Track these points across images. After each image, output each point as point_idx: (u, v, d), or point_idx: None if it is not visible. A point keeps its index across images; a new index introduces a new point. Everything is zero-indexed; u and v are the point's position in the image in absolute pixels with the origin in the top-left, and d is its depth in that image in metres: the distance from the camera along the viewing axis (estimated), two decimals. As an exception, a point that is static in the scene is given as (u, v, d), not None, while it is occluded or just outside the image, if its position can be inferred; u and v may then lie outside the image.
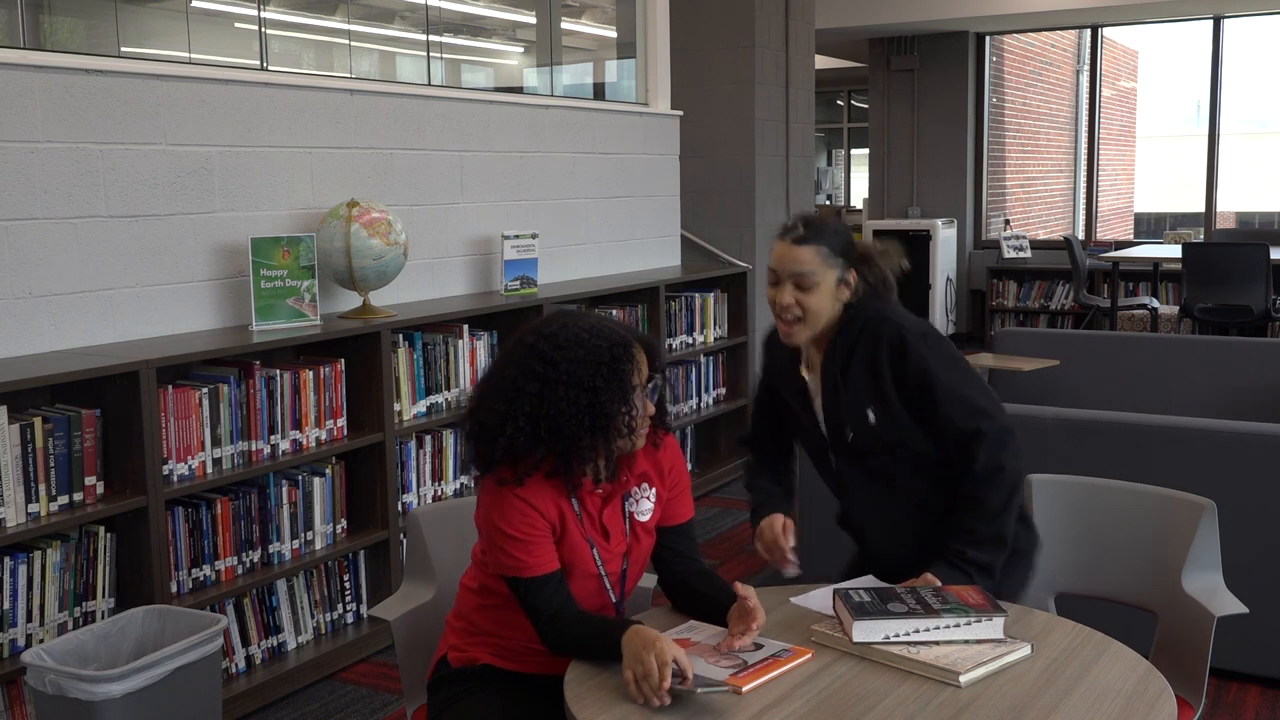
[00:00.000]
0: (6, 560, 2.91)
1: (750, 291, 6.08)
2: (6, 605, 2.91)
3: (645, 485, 2.20)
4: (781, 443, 2.62)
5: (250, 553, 3.49)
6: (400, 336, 3.98)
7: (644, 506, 2.20)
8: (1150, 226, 15.83)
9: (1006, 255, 10.53)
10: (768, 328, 2.51)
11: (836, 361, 2.36)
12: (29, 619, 2.96)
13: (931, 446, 2.33)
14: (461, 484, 4.25)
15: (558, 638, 2.05)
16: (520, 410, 2.02)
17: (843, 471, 2.46)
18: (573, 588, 2.11)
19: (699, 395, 5.74)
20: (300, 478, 3.64)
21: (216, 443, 3.36)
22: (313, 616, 3.75)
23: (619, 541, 2.17)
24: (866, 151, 11.84)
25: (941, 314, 10.32)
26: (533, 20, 6.54)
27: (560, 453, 2.03)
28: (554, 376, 2.01)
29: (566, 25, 6.52)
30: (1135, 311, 8.66)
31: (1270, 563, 3.36)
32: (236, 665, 3.50)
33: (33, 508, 2.95)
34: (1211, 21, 10.01)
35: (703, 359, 5.75)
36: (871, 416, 2.32)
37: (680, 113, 6.13)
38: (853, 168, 17.37)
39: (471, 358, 4.27)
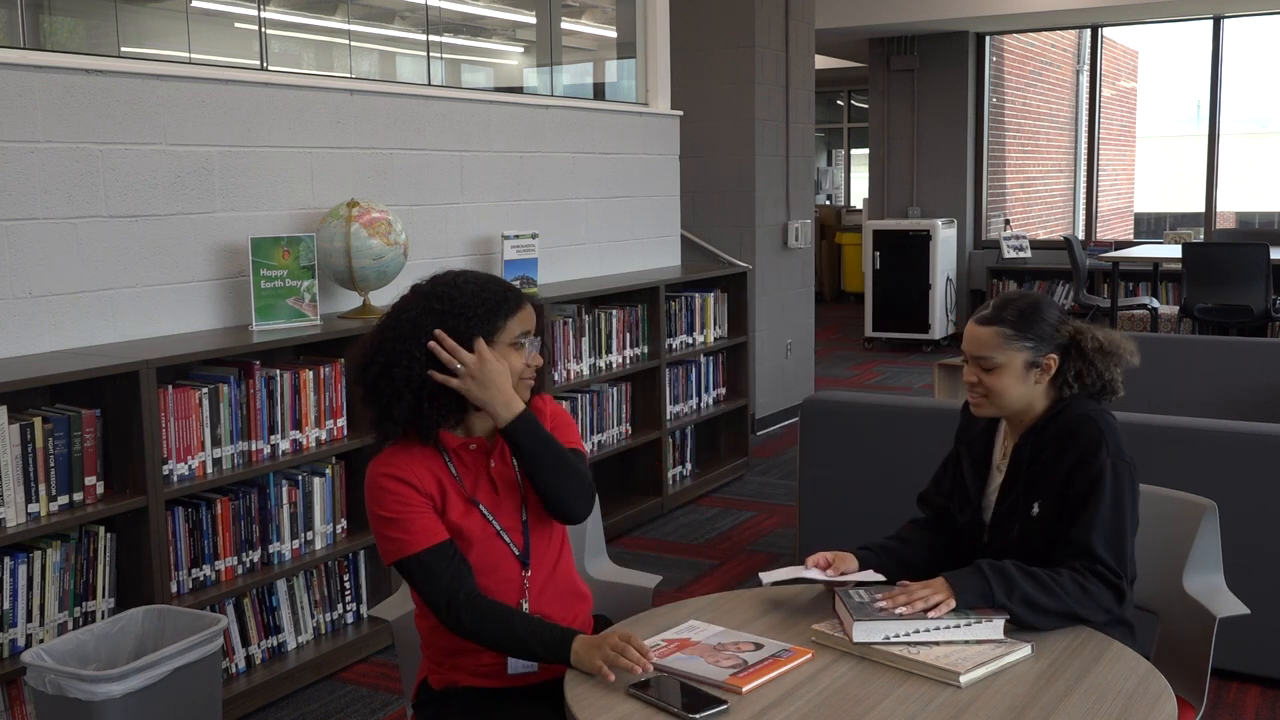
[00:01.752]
0: (6, 560, 2.91)
1: (750, 291, 6.08)
2: (6, 605, 2.91)
3: None
4: (947, 513, 2.51)
5: (250, 553, 3.49)
6: (400, 336, 3.98)
7: None
8: (1150, 226, 15.84)
9: (1006, 255, 10.54)
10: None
11: (1029, 449, 2.31)
12: (29, 619, 2.96)
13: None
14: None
15: (477, 622, 2.04)
16: (419, 345, 2.07)
17: (983, 557, 2.36)
18: (476, 554, 2.11)
19: (699, 395, 5.73)
20: (300, 478, 3.64)
21: (216, 443, 3.36)
22: (313, 616, 3.75)
23: (510, 493, 2.17)
24: (866, 151, 11.84)
25: (941, 314, 10.32)
26: (533, 20, 6.54)
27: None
28: (452, 310, 2.09)
29: (566, 25, 6.52)
30: (1135, 311, 8.66)
31: (1271, 563, 3.36)
32: (236, 665, 3.50)
33: (33, 508, 2.95)
34: (1211, 21, 10.01)
35: (703, 359, 5.75)
36: (1036, 509, 2.28)
37: (680, 113, 6.13)
38: (853, 168, 17.38)
39: (471, 358, 4.27)
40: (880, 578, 2.24)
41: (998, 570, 2.11)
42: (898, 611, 2.04)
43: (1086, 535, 2.18)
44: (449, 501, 2.11)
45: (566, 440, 2.26)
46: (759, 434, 7.00)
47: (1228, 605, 2.30)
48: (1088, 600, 2.12)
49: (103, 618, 3.08)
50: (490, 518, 2.14)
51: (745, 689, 1.86)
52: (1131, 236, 14.02)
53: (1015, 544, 2.30)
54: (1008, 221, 11.47)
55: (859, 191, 15.94)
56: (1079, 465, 2.23)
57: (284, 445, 3.56)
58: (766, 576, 2.25)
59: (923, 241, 10.24)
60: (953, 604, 2.06)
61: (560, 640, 1.99)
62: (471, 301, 2.10)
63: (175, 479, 3.24)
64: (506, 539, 2.16)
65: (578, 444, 2.32)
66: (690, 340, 5.62)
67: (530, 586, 2.17)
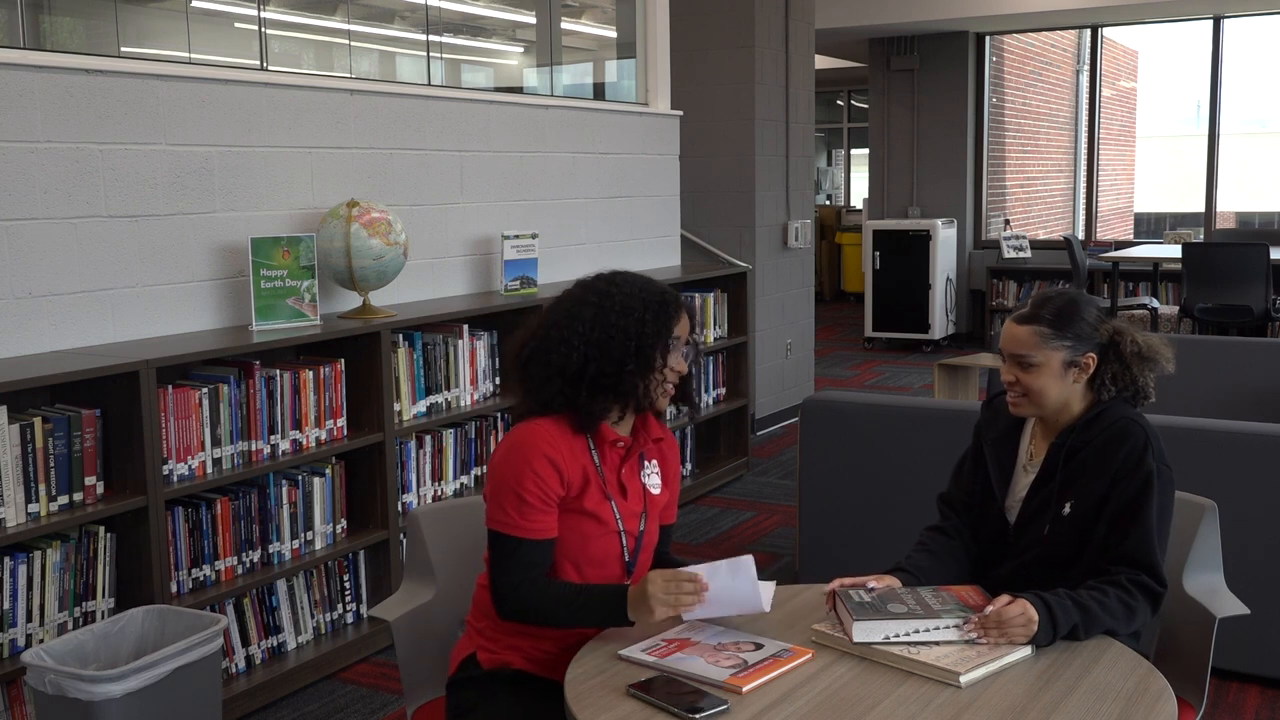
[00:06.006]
0: (6, 560, 2.91)
1: (750, 291, 6.08)
2: (6, 605, 2.91)
3: (655, 462, 2.29)
4: (969, 513, 2.48)
5: (250, 553, 3.49)
6: (400, 336, 3.98)
7: (654, 480, 2.28)
8: (1150, 226, 15.82)
9: (1006, 255, 10.54)
10: (994, 387, 2.43)
11: (1066, 448, 2.29)
12: (29, 619, 2.96)
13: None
14: (461, 484, 4.25)
15: (526, 610, 2.08)
16: (576, 331, 2.13)
17: (1005, 555, 2.37)
18: (592, 546, 2.16)
19: (699, 395, 5.73)
20: (300, 478, 3.64)
21: (216, 443, 3.36)
22: (313, 616, 3.75)
23: (635, 501, 2.22)
24: (866, 151, 11.84)
25: (941, 314, 10.32)
26: (533, 20, 6.54)
27: (607, 373, 2.12)
28: (608, 305, 2.15)
29: (566, 25, 6.52)
30: (1135, 311, 8.66)
31: (1271, 563, 3.36)
32: (236, 665, 3.50)
33: (33, 508, 2.95)
34: (1211, 21, 10.01)
35: (702, 359, 5.74)
36: (1068, 509, 2.26)
37: (680, 113, 6.13)
38: (853, 168, 17.38)
39: (471, 358, 4.27)
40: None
41: (1066, 615, 2.04)
42: (974, 636, 2.00)
43: (1141, 546, 2.17)
44: (588, 490, 2.15)
45: (670, 515, 2.35)
46: (759, 434, 7.00)
47: (1228, 605, 2.29)
48: (1131, 621, 2.13)
49: (103, 618, 3.08)
50: (618, 516, 2.18)
51: (745, 689, 1.86)
52: (1131, 236, 14.00)
53: (1042, 543, 2.29)
54: (1008, 221, 11.46)
55: (859, 191, 15.94)
56: (1125, 469, 2.21)
57: (284, 445, 3.56)
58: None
59: (923, 241, 10.24)
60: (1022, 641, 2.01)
61: (616, 602, 2.04)
62: (633, 302, 2.15)
63: (175, 479, 3.24)
64: (624, 541, 2.19)
65: (675, 515, 2.38)
66: (690, 340, 5.61)
67: None
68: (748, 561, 2.05)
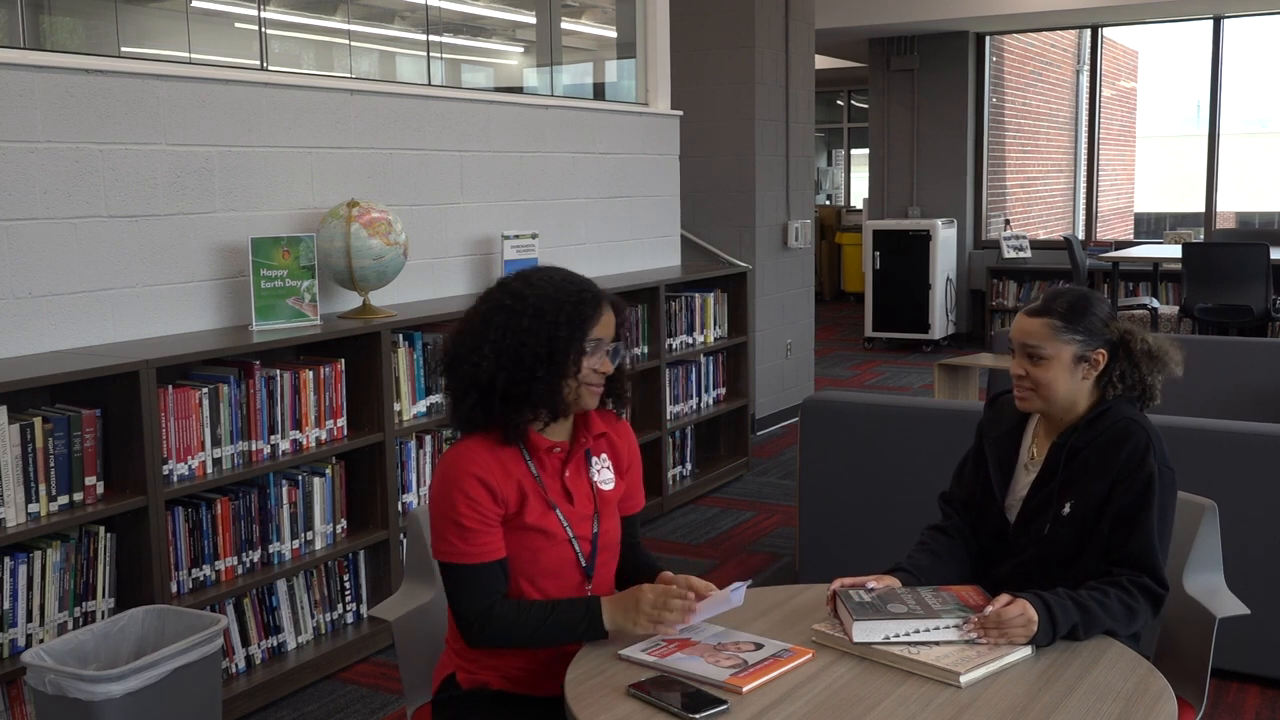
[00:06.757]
0: (6, 560, 2.91)
1: (750, 291, 6.08)
2: (6, 605, 2.91)
3: (604, 456, 2.23)
4: (971, 512, 2.48)
5: (250, 553, 3.49)
6: (400, 336, 3.98)
7: (605, 476, 2.22)
8: (1150, 226, 15.82)
9: (1006, 255, 10.54)
10: (995, 387, 2.42)
11: (1068, 448, 2.28)
12: (29, 619, 2.96)
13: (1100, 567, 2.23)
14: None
15: (496, 635, 2.03)
16: (486, 339, 2.06)
17: (1005, 554, 2.36)
18: (544, 559, 2.11)
19: (699, 395, 5.73)
20: (300, 478, 3.64)
21: (216, 443, 3.36)
22: (313, 616, 3.75)
23: (584, 504, 2.17)
24: (866, 151, 11.84)
25: (941, 314, 10.32)
26: (533, 20, 6.54)
27: (517, 381, 2.04)
28: (520, 309, 2.07)
29: (566, 25, 6.52)
30: (1135, 311, 8.65)
31: (1271, 563, 3.36)
32: (236, 665, 3.50)
33: (33, 508, 2.95)
34: (1211, 21, 10.01)
35: (703, 359, 5.75)
36: (1068, 508, 2.26)
37: (680, 113, 6.13)
38: (853, 168, 17.38)
39: (471, 358, 4.26)
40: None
41: (1066, 615, 2.04)
42: (974, 636, 2.00)
43: (1143, 548, 2.17)
44: (528, 504, 2.09)
45: (635, 503, 2.30)
46: (759, 434, 7.00)
47: (1228, 605, 2.29)
48: (1132, 622, 2.13)
49: (103, 618, 3.08)
50: (566, 524, 2.13)
51: (745, 689, 1.86)
52: (1131, 236, 14.00)
53: (1041, 542, 2.29)
54: (1008, 221, 11.47)
55: (859, 191, 15.94)
56: (1127, 470, 2.21)
57: (284, 445, 3.56)
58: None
59: (923, 241, 10.25)
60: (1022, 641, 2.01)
61: (589, 615, 2.01)
62: (546, 304, 2.06)
63: (175, 479, 3.24)
64: (576, 548, 2.15)
65: (642, 502, 2.34)
66: (690, 340, 5.62)
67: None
68: (742, 589, 2.08)
